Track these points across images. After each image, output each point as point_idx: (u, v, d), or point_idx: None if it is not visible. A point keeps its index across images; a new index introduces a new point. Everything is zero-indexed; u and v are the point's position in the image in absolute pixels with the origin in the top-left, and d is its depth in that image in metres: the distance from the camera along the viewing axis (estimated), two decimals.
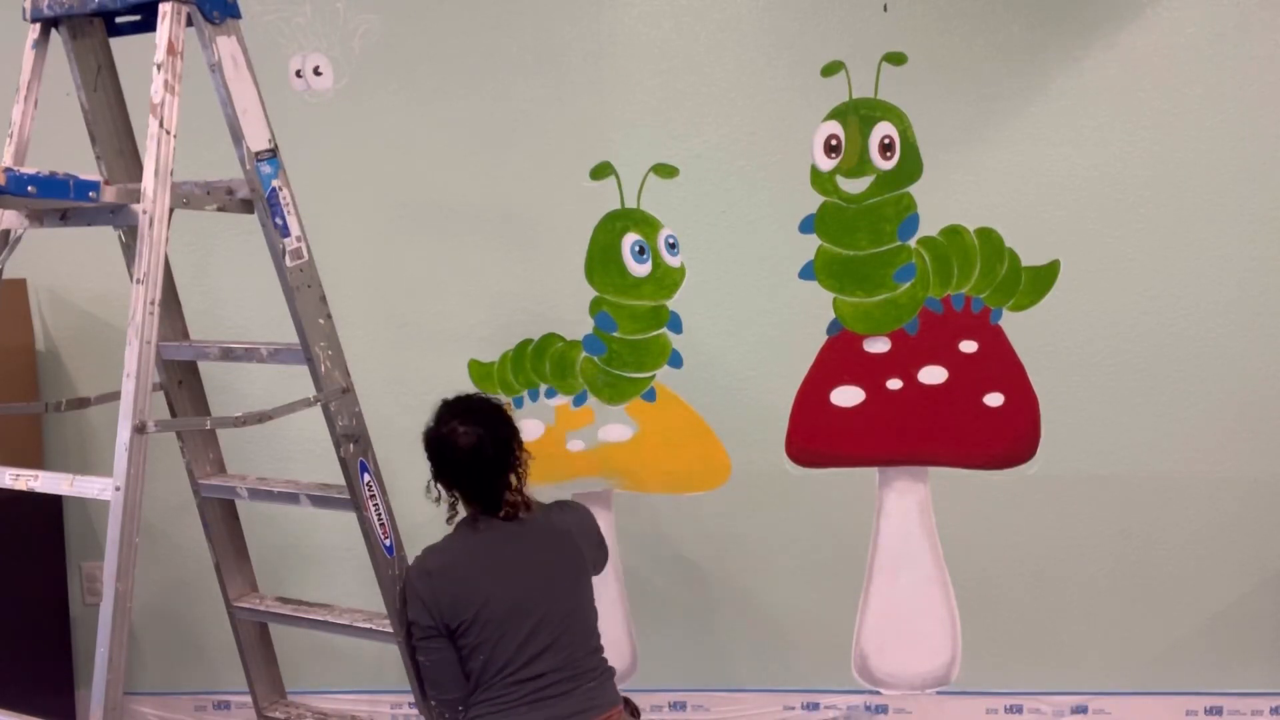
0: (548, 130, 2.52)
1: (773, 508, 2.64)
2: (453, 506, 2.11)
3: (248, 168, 1.79)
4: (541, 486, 2.33)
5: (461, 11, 2.49)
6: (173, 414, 2.13)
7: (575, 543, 2.10)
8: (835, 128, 2.48)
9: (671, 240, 2.55)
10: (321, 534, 2.69)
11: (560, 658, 2.01)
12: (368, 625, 2.11)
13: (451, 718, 2.06)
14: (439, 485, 2.09)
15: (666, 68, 2.49)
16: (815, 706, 2.74)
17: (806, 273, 2.54)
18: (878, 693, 2.72)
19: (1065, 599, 2.64)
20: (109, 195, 1.62)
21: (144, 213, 1.62)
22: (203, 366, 2.17)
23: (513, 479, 2.08)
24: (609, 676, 2.10)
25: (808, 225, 2.52)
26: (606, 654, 2.13)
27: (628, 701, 2.17)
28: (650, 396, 2.61)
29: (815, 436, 2.61)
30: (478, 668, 2.02)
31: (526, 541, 2.05)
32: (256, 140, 1.79)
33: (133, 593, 1.62)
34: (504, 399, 2.51)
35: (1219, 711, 2.67)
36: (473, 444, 2.03)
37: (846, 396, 2.59)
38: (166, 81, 1.64)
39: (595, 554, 2.17)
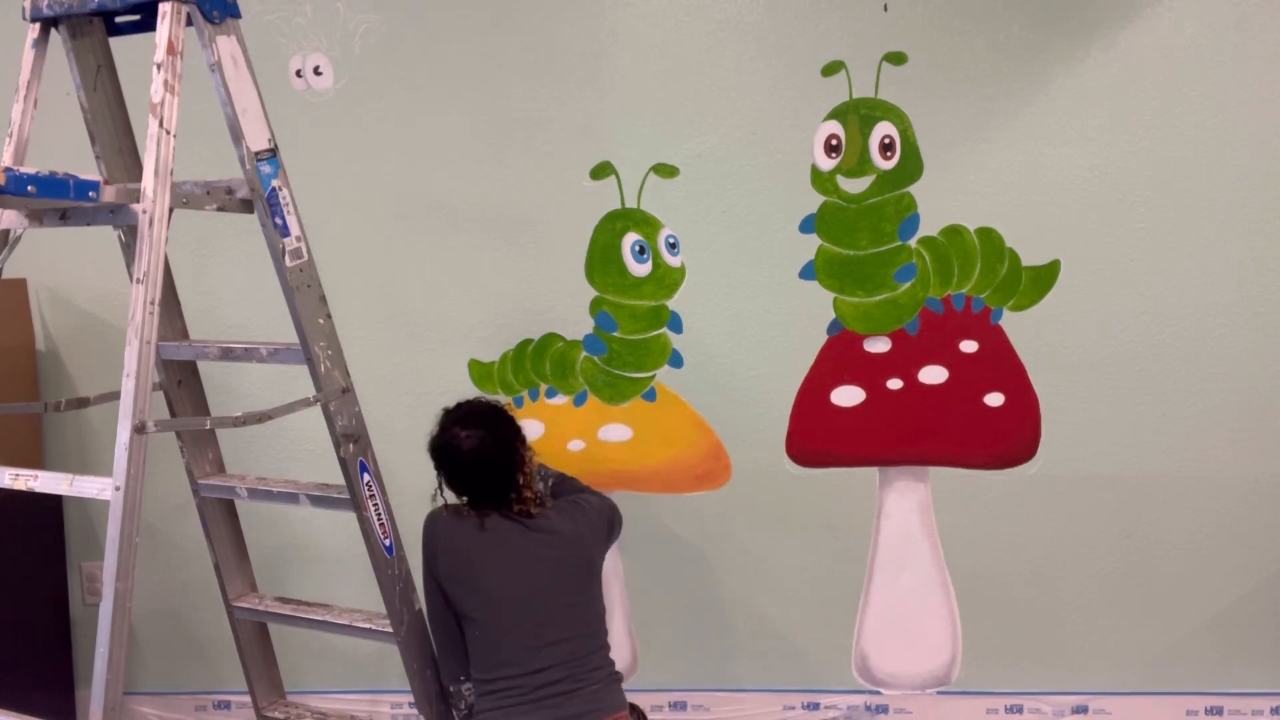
0: (548, 130, 2.52)
1: (773, 508, 2.64)
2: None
3: (248, 168, 1.79)
4: None
5: (462, 11, 2.49)
6: (172, 414, 2.13)
7: (585, 545, 2.10)
8: (835, 127, 2.48)
9: (672, 240, 2.55)
10: (321, 534, 2.69)
11: (565, 657, 2.01)
12: (367, 625, 2.11)
13: (451, 690, 2.15)
14: (450, 491, 2.11)
15: (666, 68, 2.49)
16: (815, 706, 2.74)
17: (807, 273, 2.54)
18: (878, 693, 2.72)
19: (1065, 599, 2.64)
20: (109, 195, 1.62)
21: (144, 212, 1.62)
22: (203, 366, 2.17)
23: (520, 478, 2.09)
24: (615, 681, 2.10)
25: (808, 225, 2.52)
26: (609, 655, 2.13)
27: (634, 708, 2.18)
28: (650, 396, 2.61)
29: (815, 436, 2.61)
30: (477, 649, 2.05)
31: (533, 540, 2.06)
32: (256, 140, 1.79)
33: (133, 593, 1.62)
34: (504, 399, 2.51)
35: (1219, 711, 2.67)
36: (475, 447, 2.04)
37: (847, 396, 2.59)
38: (166, 81, 1.64)
39: (607, 543, 2.18)
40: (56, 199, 1.58)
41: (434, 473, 2.11)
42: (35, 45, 1.80)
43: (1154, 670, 2.66)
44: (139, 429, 1.59)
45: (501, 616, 2.02)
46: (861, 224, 2.51)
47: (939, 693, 2.71)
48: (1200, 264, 2.48)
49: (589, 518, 2.14)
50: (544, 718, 1.98)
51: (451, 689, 2.15)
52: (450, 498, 2.13)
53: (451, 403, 2.15)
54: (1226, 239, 2.47)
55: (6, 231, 1.80)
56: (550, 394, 2.63)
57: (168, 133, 1.64)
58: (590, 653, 2.06)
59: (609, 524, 2.18)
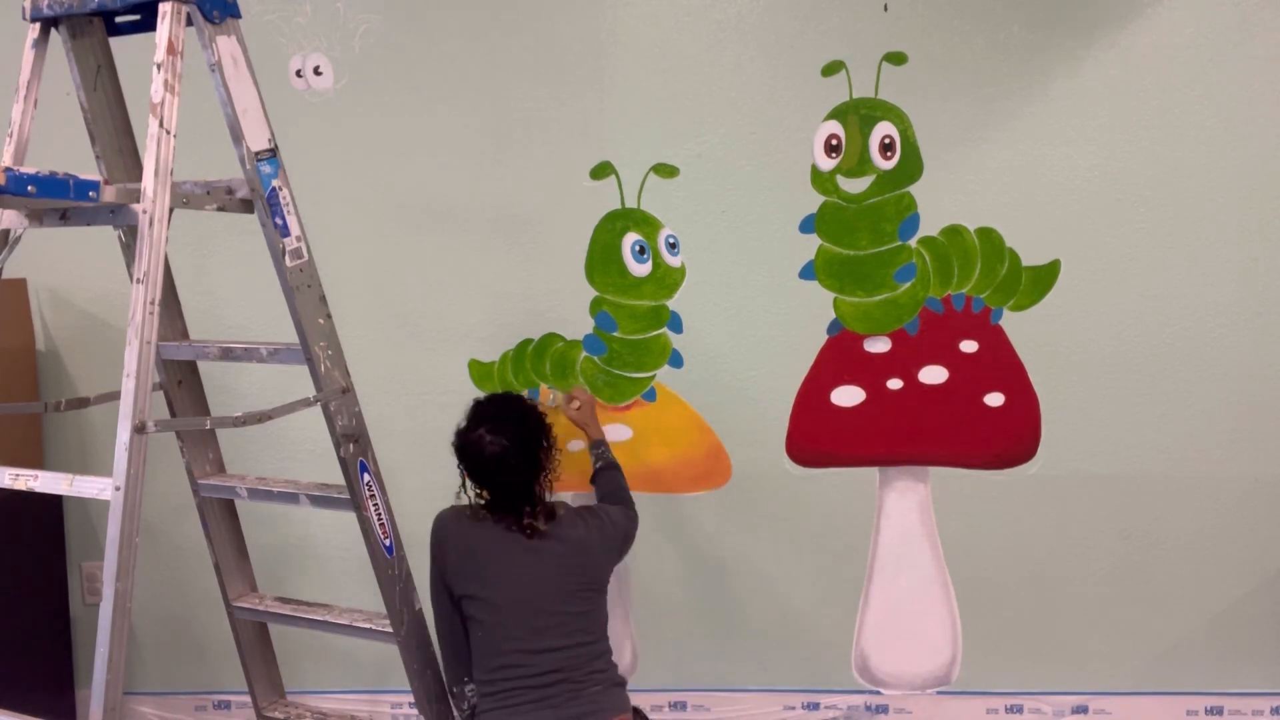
0: (548, 130, 2.52)
1: (773, 508, 2.64)
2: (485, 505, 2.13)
3: (248, 167, 1.79)
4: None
5: (461, 11, 2.49)
6: (173, 414, 2.14)
7: (592, 553, 2.10)
8: (835, 127, 2.48)
9: (672, 240, 2.55)
10: (321, 534, 2.69)
11: (564, 662, 2.02)
12: (367, 625, 2.11)
13: (455, 691, 2.14)
14: (473, 487, 2.12)
15: (666, 68, 2.49)
16: (815, 706, 2.74)
17: (807, 273, 2.54)
18: (878, 693, 2.72)
19: (1065, 599, 2.64)
20: (109, 195, 1.62)
21: (144, 212, 1.62)
22: (203, 366, 2.17)
23: (537, 489, 2.10)
24: (618, 685, 2.10)
25: (808, 225, 2.52)
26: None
27: (637, 711, 2.18)
28: (650, 396, 2.61)
29: (815, 436, 2.61)
30: (479, 649, 2.05)
31: (542, 548, 2.06)
32: (256, 140, 1.79)
33: (133, 593, 1.62)
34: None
35: (1219, 711, 2.67)
36: (498, 453, 2.05)
37: (847, 396, 2.59)
38: (166, 81, 1.64)
39: (619, 555, 2.19)
40: (56, 199, 1.58)
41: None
42: (35, 45, 1.80)
43: (1154, 670, 2.66)
44: (139, 429, 1.59)
45: (503, 619, 2.03)
46: (861, 224, 2.51)
47: (939, 693, 2.71)
48: (1200, 264, 2.48)
49: (603, 529, 2.14)
50: (546, 717, 1.99)
51: (455, 690, 2.16)
52: (472, 491, 2.14)
53: (470, 400, 2.17)
54: (1226, 239, 2.47)
55: (6, 231, 1.80)
56: None
57: (168, 133, 1.64)
58: (591, 659, 2.06)
59: (624, 538, 2.19)
